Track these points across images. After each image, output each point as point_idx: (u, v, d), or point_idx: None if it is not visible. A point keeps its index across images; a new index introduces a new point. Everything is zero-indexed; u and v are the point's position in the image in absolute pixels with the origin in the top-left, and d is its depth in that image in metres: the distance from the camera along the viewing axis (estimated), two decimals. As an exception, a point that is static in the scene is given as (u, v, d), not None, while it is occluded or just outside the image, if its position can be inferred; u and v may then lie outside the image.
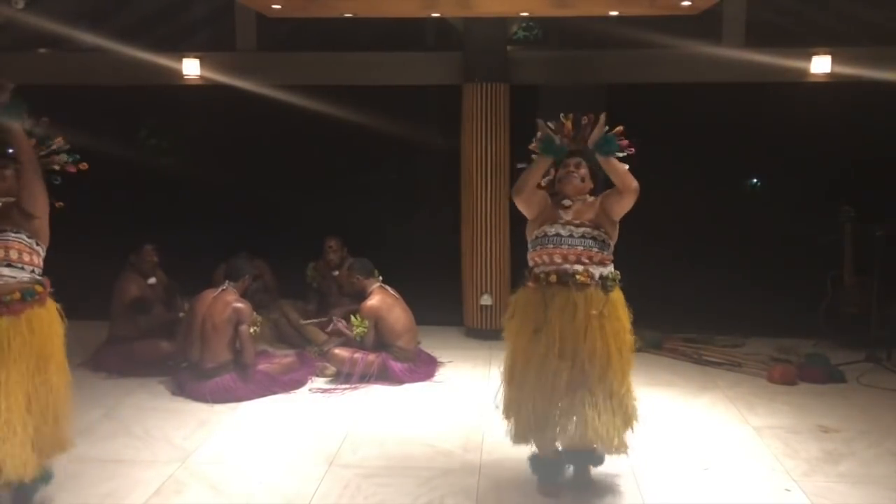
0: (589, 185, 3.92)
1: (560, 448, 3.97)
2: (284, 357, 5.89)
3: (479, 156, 6.83)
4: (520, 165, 6.95)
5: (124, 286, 6.01)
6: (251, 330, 5.46)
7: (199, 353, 5.40)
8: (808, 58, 6.84)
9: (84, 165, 3.75)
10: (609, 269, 3.83)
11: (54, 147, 3.69)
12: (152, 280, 6.15)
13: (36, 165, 3.57)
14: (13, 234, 3.49)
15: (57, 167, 3.72)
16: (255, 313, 5.56)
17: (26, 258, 3.51)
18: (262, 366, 5.57)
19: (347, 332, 5.87)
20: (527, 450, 4.01)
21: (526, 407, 3.83)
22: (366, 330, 5.76)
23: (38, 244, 3.57)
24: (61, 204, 3.67)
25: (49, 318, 3.60)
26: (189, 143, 8.50)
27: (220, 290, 5.52)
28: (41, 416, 3.53)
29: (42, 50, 7.69)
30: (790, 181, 7.85)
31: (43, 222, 3.58)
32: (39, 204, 3.56)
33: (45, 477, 3.65)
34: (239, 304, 5.45)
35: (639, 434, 4.02)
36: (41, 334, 3.53)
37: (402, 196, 8.40)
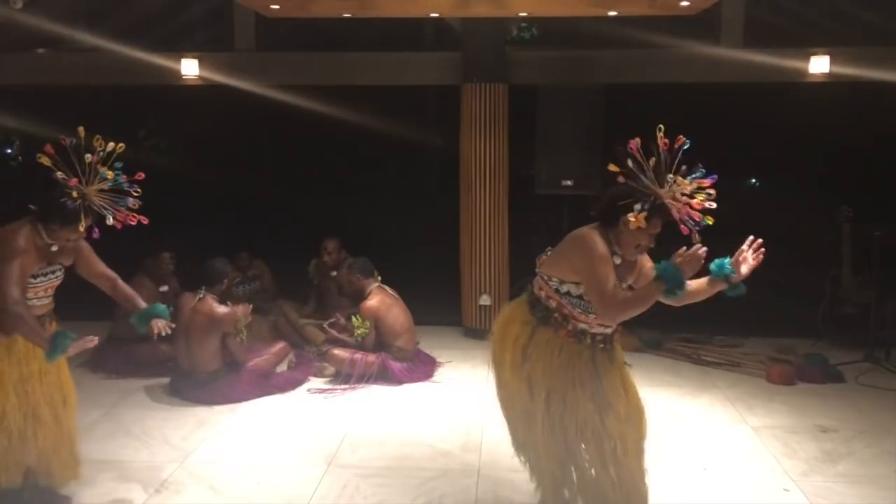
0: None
1: None
2: (272, 346, 5.78)
3: (478, 155, 6.83)
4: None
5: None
6: (238, 339, 5.38)
7: (188, 362, 5.36)
8: (807, 58, 6.84)
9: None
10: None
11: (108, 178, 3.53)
12: (164, 288, 6.12)
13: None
14: (60, 273, 3.65)
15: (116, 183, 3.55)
16: (238, 317, 5.35)
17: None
18: (253, 361, 5.49)
19: (344, 339, 5.86)
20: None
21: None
22: (367, 331, 5.76)
23: None
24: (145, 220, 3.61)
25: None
26: (188, 144, 8.50)
27: (197, 298, 5.35)
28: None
29: (40, 50, 7.69)
30: (788, 181, 7.85)
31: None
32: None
33: None
34: (220, 312, 5.29)
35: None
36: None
37: (401, 196, 8.40)
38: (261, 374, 5.49)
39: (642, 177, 3.17)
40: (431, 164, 8.36)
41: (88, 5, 7.43)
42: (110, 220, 3.49)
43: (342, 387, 5.61)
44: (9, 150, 9.17)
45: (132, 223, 3.55)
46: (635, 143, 3.18)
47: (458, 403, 5.38)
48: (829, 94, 6.97)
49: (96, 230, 3.53)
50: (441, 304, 7.17)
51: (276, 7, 5.51)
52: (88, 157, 3.45)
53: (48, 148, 3.44)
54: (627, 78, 7.07)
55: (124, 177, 3.54)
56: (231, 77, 7.23)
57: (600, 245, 3.21)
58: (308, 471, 4.24)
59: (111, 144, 3.49)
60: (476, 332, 7.00)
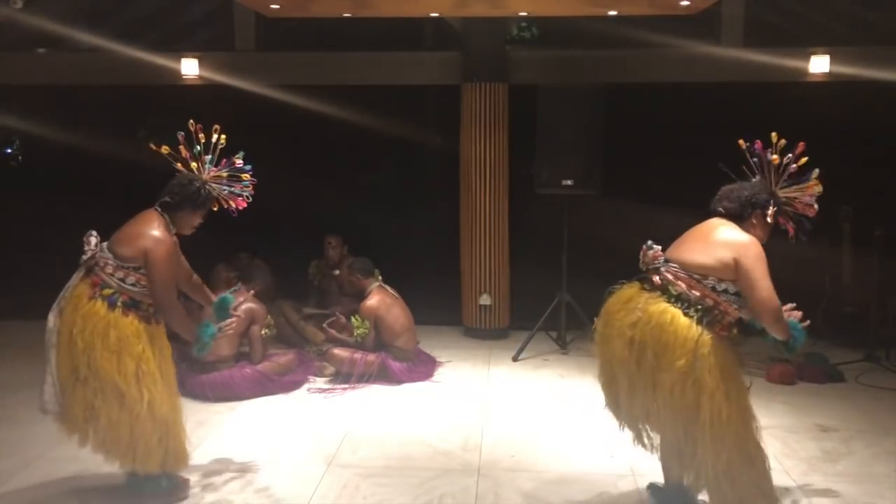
0: None
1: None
2: (283, 355, 5.87)
3: (478, 155, 6.84)
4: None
5: None
6: (263, 332, 5.52)
7: None
8: (807, 57, 6.85)
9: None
10: None
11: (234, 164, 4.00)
12: None
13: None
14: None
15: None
16: (269, 316, 5.64)
17: None
18: (260, 365, 5.56)
19: (344, 338, 5.86)
20: (524, 446, 4.00)
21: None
22: (367, 331, 5.76)
23: None
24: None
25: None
26: (187, 143, 8.50)
27: (232, 289, 5.54)
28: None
29: (41, 50, 7.69)
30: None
31: None
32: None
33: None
34: (253, 305, 5.52)
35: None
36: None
37: (402, 196, 8.39)
38: (266, 378, 5.51)
39: (762, 178, 3.65)
40: (431, 164, 8.35)
41: (88, 5, 7.43)
42: (246, 196, 3.94)
43: (342, 387, 5.61)
44: (9, 150, 9.16)
45: (244, 206, 3.92)
46: (760, 143, 3.66)
47: (458, 403, 5.38)
48: (829, 94, 6.97)
49: (234, 209, 3.87)
50: (441, 304, 7.17)
51: (276, 7, 5.51)
52: (218, 139, 3.88)
53: (180, 137, 3.87)
54: (627, 78, 7.07)
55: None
56: (231, 77, 7.24)
57: (763, 254, 3.46)
58: (308, 471, 4.24)
59: (214, 136, 3.90)
60: (476, 332, 7.01)
